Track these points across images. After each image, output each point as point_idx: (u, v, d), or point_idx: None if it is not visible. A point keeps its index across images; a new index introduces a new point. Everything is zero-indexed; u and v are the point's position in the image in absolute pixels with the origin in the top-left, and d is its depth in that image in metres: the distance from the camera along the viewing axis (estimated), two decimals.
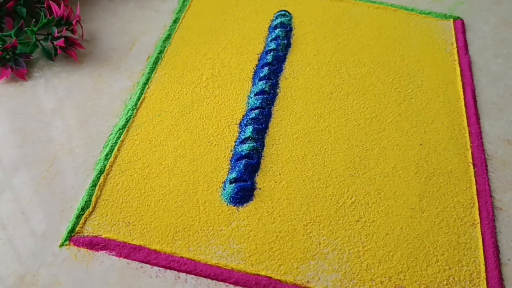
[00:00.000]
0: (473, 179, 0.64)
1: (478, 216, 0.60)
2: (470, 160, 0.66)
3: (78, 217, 0.57)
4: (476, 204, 0.61)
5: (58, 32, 0.73)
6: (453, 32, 0.85)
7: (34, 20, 0.75)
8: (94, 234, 0.56)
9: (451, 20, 0.87)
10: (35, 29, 0.73)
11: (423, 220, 0.59)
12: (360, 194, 0.62)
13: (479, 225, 0.59)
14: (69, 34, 0.77)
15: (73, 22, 0.74)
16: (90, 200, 0.59)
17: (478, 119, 0.71)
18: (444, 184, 0.63)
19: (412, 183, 0.63)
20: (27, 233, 0.56)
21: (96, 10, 0.84)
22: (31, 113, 0.68)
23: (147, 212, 0.58)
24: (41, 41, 0.75)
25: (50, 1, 0.73)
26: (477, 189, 0.63)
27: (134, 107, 0.69)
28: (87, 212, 0.58)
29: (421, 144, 0.67)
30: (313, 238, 0.57)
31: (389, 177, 0.64)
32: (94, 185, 0.60)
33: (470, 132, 0.69)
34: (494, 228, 0.59)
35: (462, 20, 0.87)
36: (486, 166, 0.66)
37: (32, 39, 0.74)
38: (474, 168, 0.65)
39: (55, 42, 0.72)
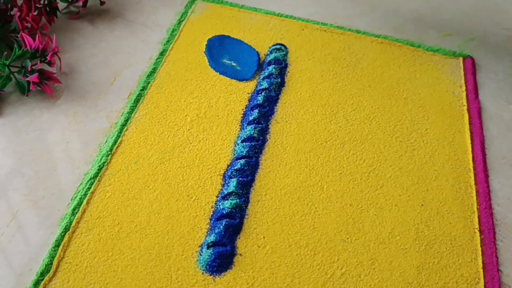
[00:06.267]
0: (479, 248, 0.57)
1: None
2: (477, 226, 0.59)
3: (37, 283, 0.52)
4: (482, 280, 0.55)
5: (32, 66, 0.67)
6: (462, 72, 0.78)
7: (5, 53, 0.69)
8: None
9: (461, 58, 0.80)
10: (7, 62, 0.67)
11: None
12: (351, 264, 0.55)
13: None
14: (46, 66, 0.71)
15: (48, 56, 0.68)
16: (52, 263, 0.53)
17: (486, 176, 0.65)
18: (446, 254, 0.57)
19: (411, 251, 0.57)
20: None
21: (79, 38, 0.79)
22: None
23: (113, 280, 0.52)
24: (16, 73, 0.69)
25: (24, 33, 0.68)
26: (483, 261, 0.56)
27: (109, 152, 0.63)
28: (47, 278, 0.52)
29: (422, 205, 0.61)
30: None
31: (385, 243, 0.57)
32: (57, 244, 0.55)
33: (477, 192, 0.63)
34: None
35: (472, 59, 0.80)
36: (494, 233, 0.59)
37: (5, 72, 0.68)
38: (480, 235, 0.59)
39: (28, 77, 0.67)
